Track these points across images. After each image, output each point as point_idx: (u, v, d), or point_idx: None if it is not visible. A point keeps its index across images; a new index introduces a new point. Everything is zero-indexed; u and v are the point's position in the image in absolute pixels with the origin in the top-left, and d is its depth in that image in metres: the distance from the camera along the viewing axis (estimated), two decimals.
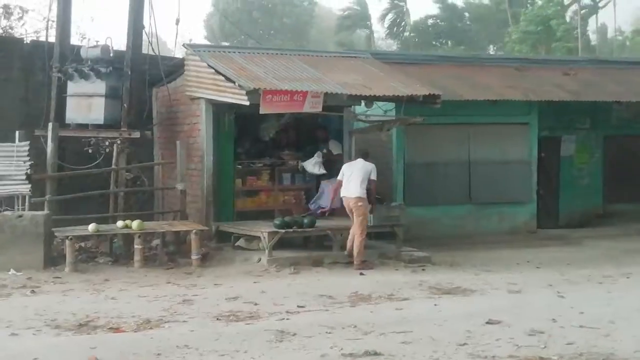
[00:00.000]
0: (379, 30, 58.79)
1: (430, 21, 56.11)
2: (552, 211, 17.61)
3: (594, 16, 51.21)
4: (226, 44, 45.96)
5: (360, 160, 12.68)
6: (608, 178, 18.24)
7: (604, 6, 50.62)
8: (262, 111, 12.21)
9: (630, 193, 17.96)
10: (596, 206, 18.10)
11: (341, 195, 12.63)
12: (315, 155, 14.46)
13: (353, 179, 12.40)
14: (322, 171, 14.37)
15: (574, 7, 47.18)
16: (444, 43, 52.52)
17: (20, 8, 19.41)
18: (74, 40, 16.13)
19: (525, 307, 9.01)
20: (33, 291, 10.05)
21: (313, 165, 14.37)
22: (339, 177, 12.73)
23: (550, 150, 17.32)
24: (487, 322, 7.97)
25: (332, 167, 14.24)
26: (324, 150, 14.65)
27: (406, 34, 54.96)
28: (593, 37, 52.30)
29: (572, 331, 7.67)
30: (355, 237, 12.24)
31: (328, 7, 65.10)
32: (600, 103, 16.64)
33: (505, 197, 16.23)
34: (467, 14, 55.33)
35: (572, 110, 17.06)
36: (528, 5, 47.12)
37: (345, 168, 12.72)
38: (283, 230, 12.44)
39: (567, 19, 46.25)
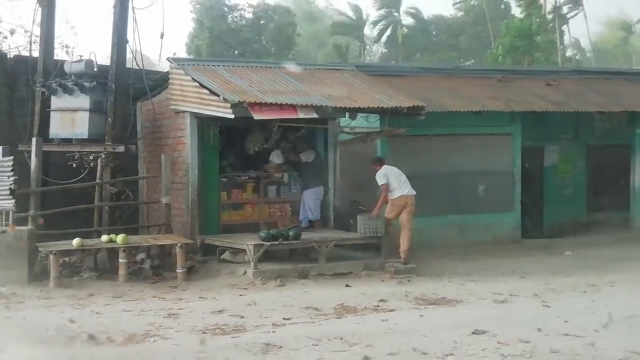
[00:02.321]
0: (371, 38, 59.14)
1: (404, 32, 56.55)
2: (537, 221, 17.71)
3: (566, 26, 51.79)
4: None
5: (392, 167, 13.64)
6: (591, 187, 18.38)
7: (573, 16, 51.16)
8: (256, 117, 12.21)
9: (614, 202, 18.08)
10: (580, 215, 18.22)
11: (400, 195, 13.35)
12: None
13: (406, 180, 13.49)
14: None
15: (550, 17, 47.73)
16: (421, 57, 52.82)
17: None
18: (58, 52, 16.14)
19: (511, 317, 9.06)
20: (13, 306, 9.98)
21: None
22: (384, 181, 13.39)
23: (533, 161, 17.45)
24: (474, 332, 8.00)
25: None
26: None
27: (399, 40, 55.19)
28: (569, 49, 52.97)
29: (557, 340, 7.72)
30: (408, 233, 13.22)
31: (323, 8, 64.98)
32: (582, 113, 16.76)
33: (489, 207, 16.29)
34: (433, 28, 55.87)
35: (555, 121, 17.19)
36: (512, 18, 47.52)
37: (390, 172, 13.51)
38: (268, 243, 12.43)
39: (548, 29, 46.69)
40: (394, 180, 13.44)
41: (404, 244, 13.11)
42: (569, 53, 51.44)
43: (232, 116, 12.13)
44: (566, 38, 53.04)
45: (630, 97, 17.42)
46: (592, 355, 7.08)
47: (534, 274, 12.75)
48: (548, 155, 18.10)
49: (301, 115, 12.55)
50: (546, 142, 17.96)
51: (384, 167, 13.61)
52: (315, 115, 12.66)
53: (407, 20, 58.99)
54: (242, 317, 9.16)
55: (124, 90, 14.48)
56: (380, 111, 13.86)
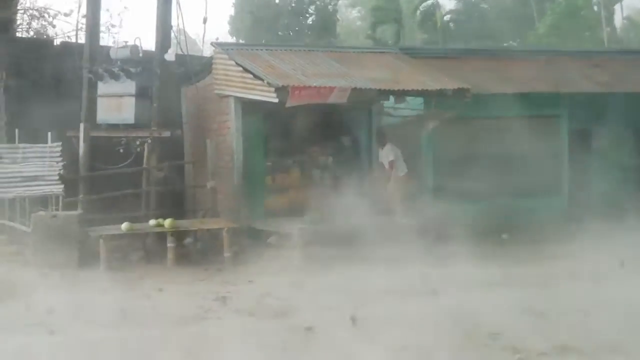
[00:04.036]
0: (410, 24, 58.23)
1: (447, 17, 55.48)
2: (586, 205, 17.40)
3: (619, 4, 50.47)
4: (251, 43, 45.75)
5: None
6: None
7: None
8: (288, 105, 12.24)
9: None
10: (630, 199, 17.86)
11: (405, 172, 14.00)
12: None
13: None
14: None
15: None
16: (468, 41, 51.75)
17: (48, 12, 19.47)
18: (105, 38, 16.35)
19: (559, 299, 8.96)
20: (66, 289, 10.16)
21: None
22: (393, 158, 13.91)
23: (581, 143, 17.15)
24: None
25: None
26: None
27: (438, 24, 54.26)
28: (620, 27, 51.56)
29: (605, 322, 7.63)
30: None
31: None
32: (632, 95, 16.41)
33: (536, 191, 16.06)
34: (485, 6, 54.43)
35: (603, 103, 16.85)
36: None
37: (396, 149, 14.02)
38: (314, 227, 12.44)
39: (595, 8, 45.69)
40: (400, 157, 13.88)
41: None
42: (620, 32, 50.12)
43: (276, 100, 12.16)
44: (618, 17, 51.73)
45: None
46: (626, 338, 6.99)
47: (581, 257, 12.53)
48: (596, 138, 17.76)
49: (331, 100, 12.52)
50: (594, 124, 17.62)
51: (389, 144, 13.92)
52: (344, 101, 12.60)
53: (450, 5, 57.96)
54: (288, 300, 9.21)
55: (168, 75, 14.57)
56: (425, 94, 13.77)
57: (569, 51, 21.63)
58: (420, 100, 14.65)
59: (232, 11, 53.14)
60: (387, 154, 13.84)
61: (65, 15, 18.54)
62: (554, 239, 13.73)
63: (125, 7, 40.42)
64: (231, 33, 51.16)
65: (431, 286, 9.96)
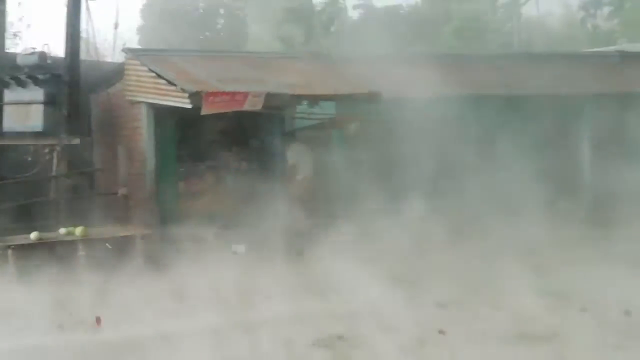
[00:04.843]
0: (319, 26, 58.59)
1: (354, 17, 56.05)
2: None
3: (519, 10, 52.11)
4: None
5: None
6: None
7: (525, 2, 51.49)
8: (203, 112, 12.25)
9: None
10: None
11: (306, 174, 14.21)
12: None
13: None
14: None
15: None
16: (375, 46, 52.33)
17: None
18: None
19: None
20: None
21: None
22: (295, 160, 14.32)
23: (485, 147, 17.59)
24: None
25: None
26: None
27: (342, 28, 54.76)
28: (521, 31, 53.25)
29: None
30: None
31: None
32: (532, 97, 16.95)
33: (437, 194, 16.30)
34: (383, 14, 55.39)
35: (507, 105, 17.34)
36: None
37: (300, 150, 14.33)
38: (228, 231, 12.50)
39: (498, 13, 47.11)
40: (303, 160, 14.22)
41: None
42: (523, 36, 51.75)
43: (190, 106, 12.16)
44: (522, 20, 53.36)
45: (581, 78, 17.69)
46: None
47: None
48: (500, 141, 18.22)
49: (246, 107, 12.58)
50: (499, 128, 18.10)
51: (292, 146, 14.27)
52: (259, 107, 12.67)
53: (356, 13, 58.57)
54: (209, 300, 9.36)
55: (78, 82, 14.35)
56: (337, 98, 13.98)
57: (474, 55, 22.31)
58: (332, 104, 14.82)
59: (141, 14, 52.50)
60: (289, 156, 14.09)
61: None
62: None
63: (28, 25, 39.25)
64: (139, 36, 50.36)
65: None
